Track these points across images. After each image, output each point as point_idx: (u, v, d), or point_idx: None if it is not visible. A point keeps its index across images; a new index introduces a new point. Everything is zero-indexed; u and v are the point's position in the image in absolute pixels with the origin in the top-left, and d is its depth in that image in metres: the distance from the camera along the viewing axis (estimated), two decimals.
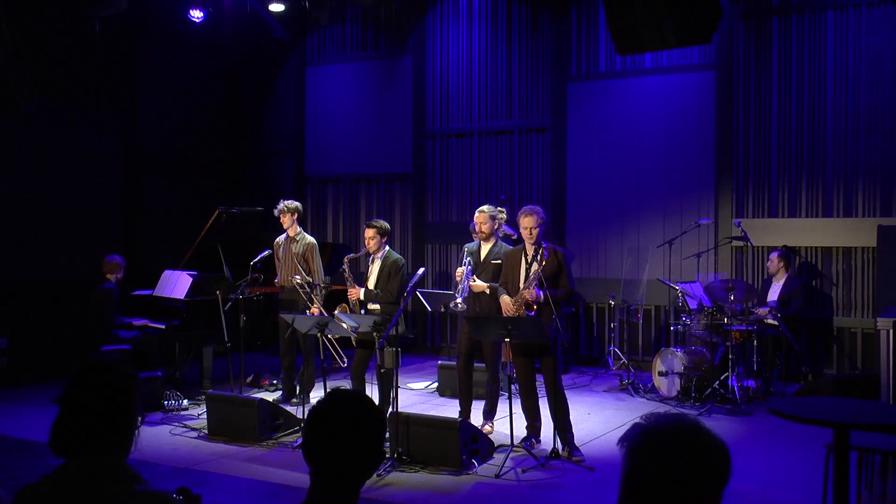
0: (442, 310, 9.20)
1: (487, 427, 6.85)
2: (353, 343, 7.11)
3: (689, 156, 9.98)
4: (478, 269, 6.84)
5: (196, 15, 10.88)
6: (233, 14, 11.96)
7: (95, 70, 10.56)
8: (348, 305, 7.13)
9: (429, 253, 11.47)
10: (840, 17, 9.28)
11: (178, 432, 6.98)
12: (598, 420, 7.46)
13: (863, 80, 9.16)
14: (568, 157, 10.66)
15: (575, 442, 6.22)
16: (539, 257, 6.09)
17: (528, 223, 6.26)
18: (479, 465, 5.89)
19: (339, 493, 2.01)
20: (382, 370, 6.57)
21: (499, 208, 7.08)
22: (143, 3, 10.60)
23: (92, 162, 10.57)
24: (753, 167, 9.67)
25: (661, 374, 8.27)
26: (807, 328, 9.22)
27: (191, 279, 8.25)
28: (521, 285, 6.26)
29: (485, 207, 6.94)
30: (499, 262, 6.74)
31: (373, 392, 6.94)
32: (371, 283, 7.09)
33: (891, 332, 5.59)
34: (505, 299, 6.35)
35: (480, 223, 6.85)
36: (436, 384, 8.77)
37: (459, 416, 6.81)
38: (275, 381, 8.84)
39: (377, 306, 7.00)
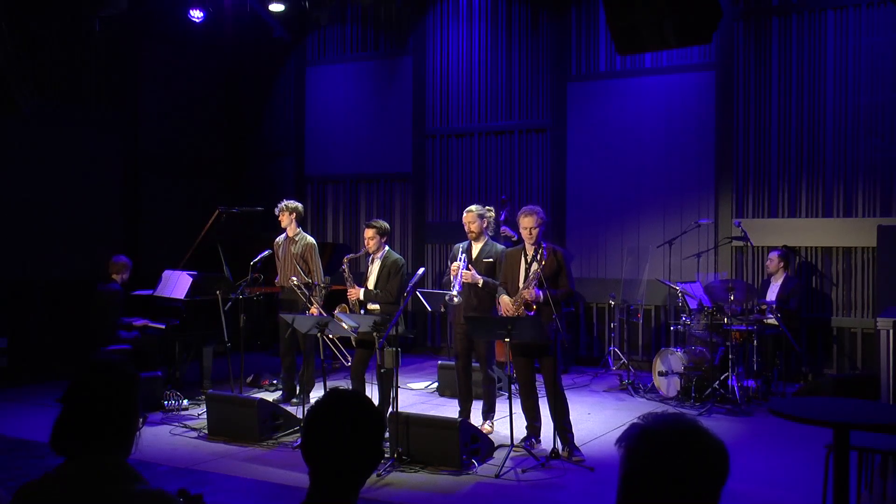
0: (442, 309, 9.21)
1: (487, 427, 6.85)
2: (353, 343, 7.11)
3: (689, 156, 9.98)
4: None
5: (196, 15, 10.88)
6: (233, 14, 11.96)
7: (95, 70, 10.56)
8: (348, 306, 7.13)
9: (429, 253, 11.47)
10: (840, 17, 9.28)
11: (178, 432, 6.98)
12: (598, 420, 7.46)
13: (863, 80, 9.16)
14: (568, 157, 10.66)
15: (575, 442, 6.22)
16: (539, 257, 6.10)
17: (527, 223, 6.26)
18: (479, 465, 5.89)
19: (339, 493, 2.01)
20: (382, 370, 6.57)
21: (487, 207, 7.09)
22: (143, 3, 10.60)
23: (92, 162, 10.57)
24: (753, 167, 9.67)
25: (661, 374, 8.27)
26: (806, 328, 9.22)
27: (191, 279, 8.25)
28: (521, 285, 6.26)
29: (472, 207, 6.96)
30: (490, 260, 6.77)
31: (373, 392, 6.95)
32: (371, 284, 7.09)
33: (891, 332, 5.59)
34: (504, 299, 6.35)
35: (469, 223, 6.87)
36: (436, 384, 8.77)
37: (459, 416, 6.81)
38: (275, 381, 8.84)
39: (377, 306, 7.01)
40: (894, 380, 5.56)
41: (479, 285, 6.70)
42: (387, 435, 5.77)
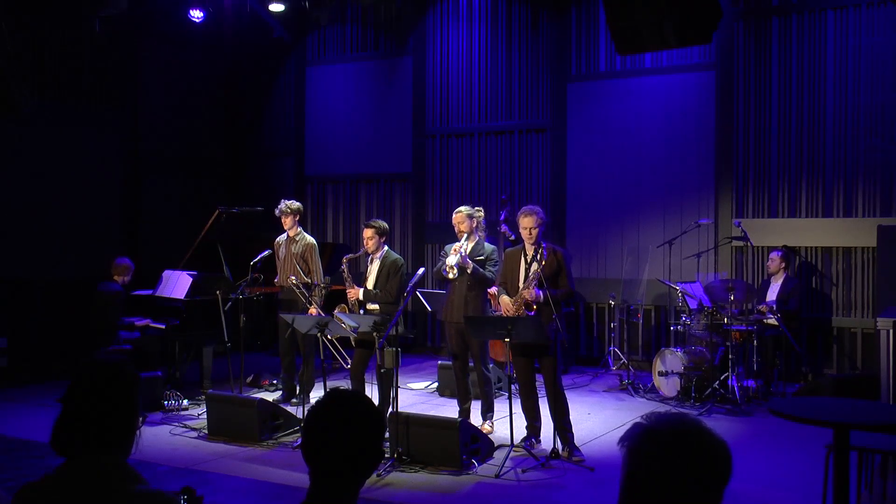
0: (429, 308, 9.20)
1: (486, 427, 6.85)
2: (353, 343, 7.11)
3: (689, 156, 9.98)
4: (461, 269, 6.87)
5: (196, 15, 10.88)
6: (233, 14, 11.97)
7: (95, 70, 10.56)
8: (347, 306, 7.13)
9: (429, 253, 11.47)
10: (840, 17, 9.27)
11: (178, 432, 6.98)
12: (598, 420, 7.46)
13: (863, 80, 9.16)
14: (568, 157, 10.66)
15: (575, 442, 6.22)
16: (539, 257, 6.10)
17: (527, 223, 6.27)
18: (479, 465, 5.89)
19: (339, 493, 2.01)
20: (382, 370, 6.57)
21: (476, 208, 7.14)
22: (143, 3, 10.60)
23: (92, 162, 10.57)
24: (753, 167, 9.67)
25: (661, 374, 8.27)
26: (807, 328, 9.22)
27: (191, 279, 8.25)
28: (521, 285, 6.27)
29: (462, 208, 7.00)
30: (481, 258, 6.81)
31: (373, 392, 6.94)
32: (370, 284, 7.09)
33: (891, 332, 5.59)
34: (505, 299, 6.35)
35: (458, 223, 6.90)
36: (436, 384, 8.77)
37: (459, 416, 6.81)
38: (275, 381, 8.83)
39: (376, 306, 7.01)
40: (894, 380, 5.56)
41: (469, 271, 6.71)
42: (387, 435, 5.77)
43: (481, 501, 5.33)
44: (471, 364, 7.10)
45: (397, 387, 6.27)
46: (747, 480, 5.55)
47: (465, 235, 6.85)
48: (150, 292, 8.70)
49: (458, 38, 11.35)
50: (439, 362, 8.88)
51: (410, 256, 11.36)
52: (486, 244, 7.00)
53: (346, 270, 7.13)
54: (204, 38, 11.82)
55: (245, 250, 8.61)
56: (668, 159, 10.08)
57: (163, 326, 8.23)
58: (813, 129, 9.40)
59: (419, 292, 8.60)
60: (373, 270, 7.11)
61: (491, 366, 7.42)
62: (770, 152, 9.60)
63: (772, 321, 8.28)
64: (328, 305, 7.95)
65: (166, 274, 8.63)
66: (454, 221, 6.97)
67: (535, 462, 5.95)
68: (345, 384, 7.59)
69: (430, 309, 9.02)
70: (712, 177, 9.86)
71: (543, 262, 6.08)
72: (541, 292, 6.10)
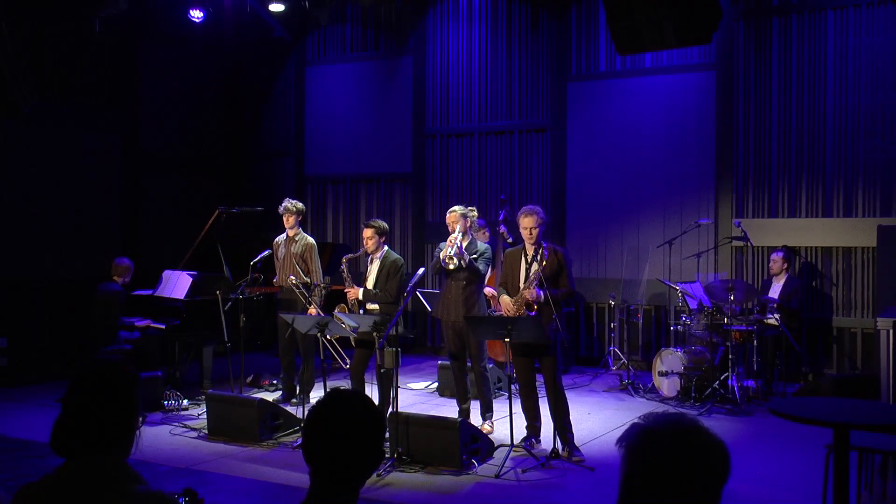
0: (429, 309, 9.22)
1: (486, 427, 6.85)
2: (353, 343, 7.11)
3: (689, 156, 9.98)
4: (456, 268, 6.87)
5: (196, 15, 10.88)
6: (233, 14, 11.96)
7: (95, 70, 10.55)
8: (347, 306, 7.13)
9: (429, 253, 11.45)
10: (840, 17, 9.28)
11: (178, 432, 6.98)
12: (598, 420, 7.46)
13: (863, 80, 9.16)
14: (568, 156, 10.66)
15: (575, 442, 6.22)
16: (539, 257, 6.10)
17: (527, 223, 6.27)
18: (478, 465, 5.89)
19: (339, 493, 2.01)
20: (382, 370, 6.57)
21: (470, 208, 7.15)
22: (143, 3, 10.61)
23: (92, 162, 10.57)
24: (753, 167, 9.67)
25: (661, 374, 8.27)
26: (807, 328, 9.22)
27: (191, 279, 8.25)
28: (522, 285, 6.27)
29: (456, 207, 7.02)
30: (474, 256, 6.82)
31: (373, 392, 6.94)
32: (370, 283, 7.09)
33: (891, 332, 5.59)
34: (505, 299, 6.35)
35: (452, 222, 6.92)
36: (436, 384, 8.77)
37: (459, 416, 6.81)
38: (275, 381, 8.83)
39: (376, 306, 7.01)
40: (894, 380, 5.56)
41: (465, 262, 6.71)
42: (387, 435, 5.78)
43: (481, 501, 5.33)
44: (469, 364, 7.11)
45: (397, 387, 6.26)
46: (747, 480, 5.56)
47: (459, 231, 6.86)
48: (150, 292, 8.70)
49: (458, 38, 11.35)
50: (439, 362, 8.87)
51: (410, 256, 11.37)
52: (480, 243, 7.03)
53: (345, 270, 7.13)
54: (204, 38, 11.82)
55: (245, 250, 8.61)
56: (667, 159, 10.08)
57: (163, 326, 8.23)
58: (813, 129, 9.40)
59: (419, 292, 8.59)
60: (372, 270, 7.11)
61: (491, 366, 7.42)
62: (770, 152, 9.60)
63: (772, 321, 8.28)
64: (328, 305, 7.95)
65: (166, 274, 8.63)
66: (448, 221, 7.00)
67: (535, 462, 5.95)
68: (345, 384, 7.59)
69: (429, 309, 9.01)
70: (712, 177, 9.87)
71: (544, 263, 6.08)
72: (541, 292, 6.10)
